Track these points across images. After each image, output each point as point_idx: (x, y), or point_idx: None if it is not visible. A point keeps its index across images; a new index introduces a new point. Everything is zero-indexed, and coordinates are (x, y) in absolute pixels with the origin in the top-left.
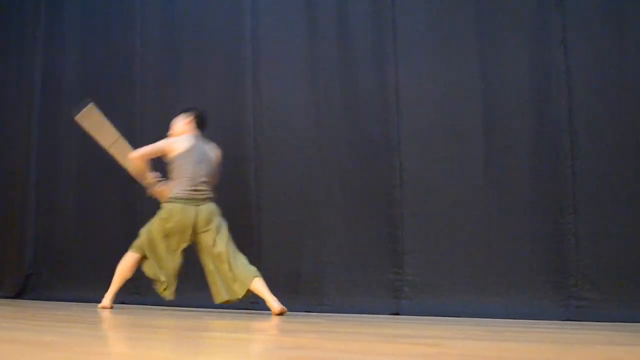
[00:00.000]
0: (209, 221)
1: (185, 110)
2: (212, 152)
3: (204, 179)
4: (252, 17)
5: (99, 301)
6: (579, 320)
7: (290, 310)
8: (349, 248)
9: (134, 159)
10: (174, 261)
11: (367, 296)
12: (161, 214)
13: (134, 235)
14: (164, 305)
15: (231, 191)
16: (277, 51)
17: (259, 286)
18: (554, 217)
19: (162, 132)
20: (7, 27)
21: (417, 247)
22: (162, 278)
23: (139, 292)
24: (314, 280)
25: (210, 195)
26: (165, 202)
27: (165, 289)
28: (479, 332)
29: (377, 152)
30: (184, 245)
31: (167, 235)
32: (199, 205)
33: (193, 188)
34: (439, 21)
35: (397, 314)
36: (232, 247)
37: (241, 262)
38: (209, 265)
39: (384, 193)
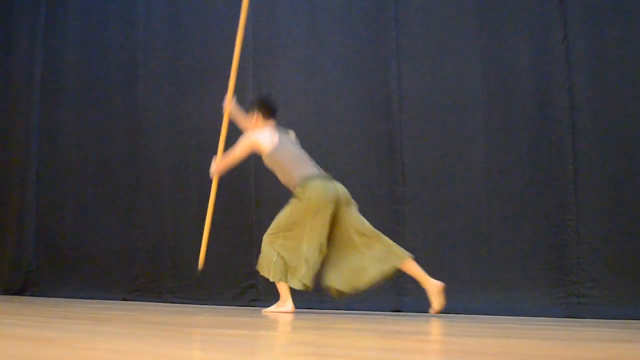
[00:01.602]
0: (349, 199)
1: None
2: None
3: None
4: (254, 15)
5: (99, 298)
6: (580, 318)
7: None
8: None
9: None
10: (317, 244)
11: (368, 293)
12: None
13: (133, 232)
14: (163, 303)
15: (231, 189)
16: (278, 48)
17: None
18: (555, 214)
19: (163, 130)
20: (7, 25)
21: (418, 243)
22: (300, 268)
23: (139, 289)
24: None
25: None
26: (299, 186)
27: (300, 278)
28: (481, 329)
29: (379, 149)
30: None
31: (312, 215)
32: (333, 182)
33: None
34: (441, 18)
35: (399, 310)
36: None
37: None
38: (355, 243)
39: (386, 190)
